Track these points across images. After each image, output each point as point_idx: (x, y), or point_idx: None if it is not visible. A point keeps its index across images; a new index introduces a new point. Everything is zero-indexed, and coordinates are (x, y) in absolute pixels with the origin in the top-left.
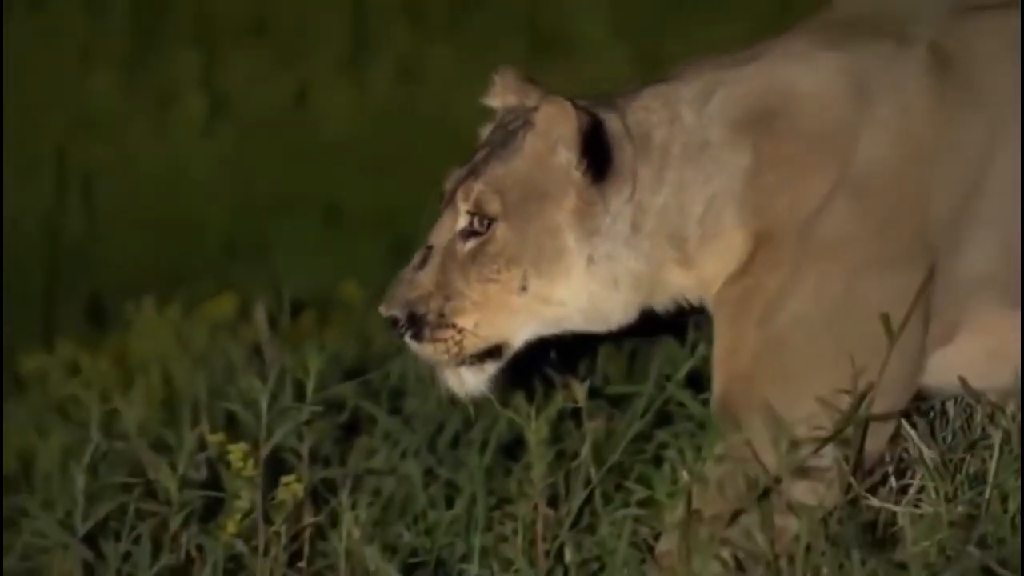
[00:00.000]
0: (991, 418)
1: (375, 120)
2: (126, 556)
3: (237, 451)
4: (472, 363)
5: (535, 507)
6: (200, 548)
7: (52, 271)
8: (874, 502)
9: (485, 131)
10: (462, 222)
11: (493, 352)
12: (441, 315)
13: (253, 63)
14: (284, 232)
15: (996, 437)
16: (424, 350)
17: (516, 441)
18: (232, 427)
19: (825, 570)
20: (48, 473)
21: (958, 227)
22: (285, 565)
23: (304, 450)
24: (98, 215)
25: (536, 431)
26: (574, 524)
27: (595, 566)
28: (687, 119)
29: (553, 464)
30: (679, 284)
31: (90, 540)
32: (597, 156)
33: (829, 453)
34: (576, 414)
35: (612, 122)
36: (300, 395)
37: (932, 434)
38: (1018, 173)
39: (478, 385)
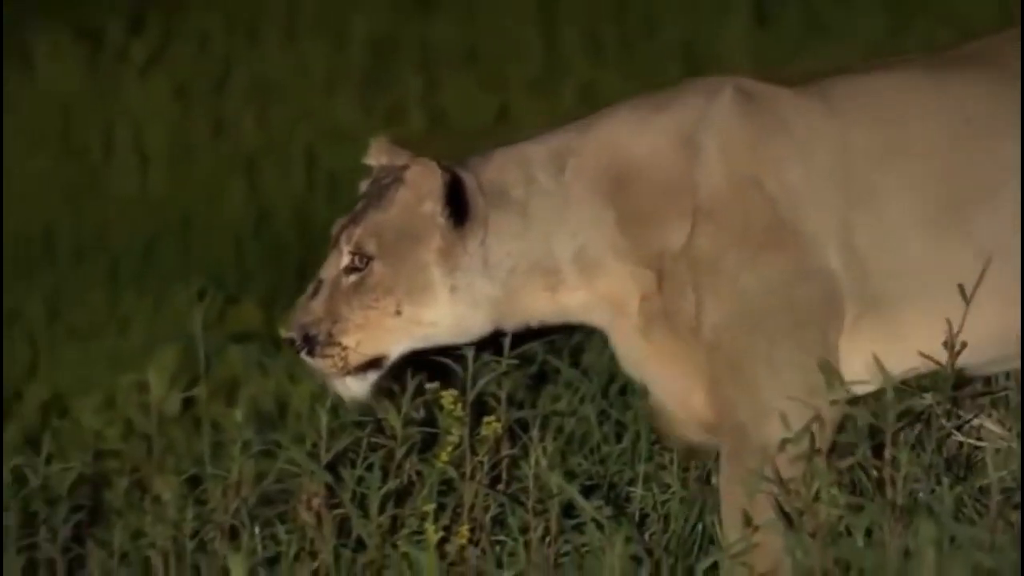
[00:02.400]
0: None
1: None
2: (359, 480)
3: (448, 396)
4: (356, 373)
5: None
6: (419, 473)
7: (303, 255)
8: (960, 437)
9: (363, 185)
10: (345, 260)
11: (373, 363)
12: (329, 335)
13: (464, 85)
14: None
15: None
16: (316, 364)
17: None
18: (445, 377)
19: (920, 494)
20: (299, 413)
21: (803, 218)
22: (487, 487)
23: (502, 395)
24: (340, 208)
25: None
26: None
27: None
28: (544, 182)
29: None
30: (548, 306)
31: (331, 467)
32: (457, 206)
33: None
34: None
35: (468, 179)
36: (498, 351)
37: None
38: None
39: (360, 391)
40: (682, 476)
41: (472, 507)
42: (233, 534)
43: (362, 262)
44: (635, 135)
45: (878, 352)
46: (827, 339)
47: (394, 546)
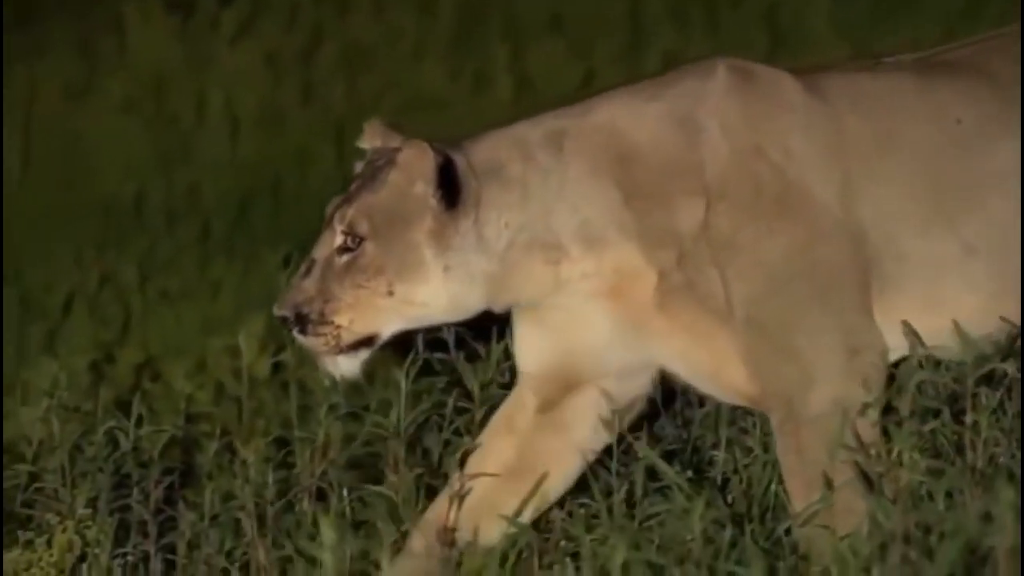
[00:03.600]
0: None
1: None
2: (446, 443)
3: None
4: (348, 352)
5: None
6: None
7: None
8: None
9: (358, 167)
10: (338, 240)
11: (365, 342)
12: (322, 314)
13: (550, 52)
14: None
15: None
16: (308, 342)
17: None
18: None
19: (1001, 458)
20: (386, 377)
21: (811, 182)
22: None
23: None
24: None
25: None
26: None
27: None
28: (543, 160)
29: None
30: (547, 280)
31: (415, 431)
32: (449, 187)
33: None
34: None
35: (460, 160)
36: None
37: None
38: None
39: (351, 368)
40: (764, 440)
41: None
42: (320, 496)
43: (354, 242)
44: (634, 119)
45: None
46: (860, 297)
47: None
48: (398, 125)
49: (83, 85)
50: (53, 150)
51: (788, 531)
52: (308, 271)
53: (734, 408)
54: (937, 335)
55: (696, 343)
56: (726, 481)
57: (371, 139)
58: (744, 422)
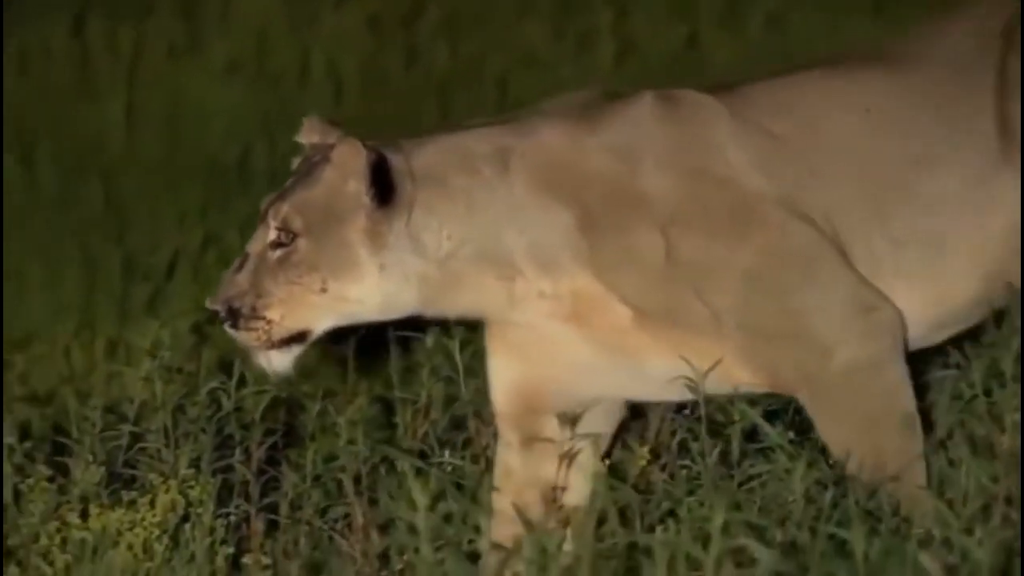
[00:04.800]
0: None
1: (749, 61)
2: None
3: None
4: (280, 347)
5: None
6: None
7: None
8: None
9: (295, 163)
10: (272, 236)
11: (297, 338)
12: (254, 309)
13: (654, 13)
14: None
15: None
16: (240, 336)
17: None
18: None
19: None
20: None
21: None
22: (672, 413)
23: None
24: None
25: None
26: None
27: None
28: (489, 176)
29: None
30: (496, 294)
31: None
32: (382, 186)
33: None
34: None
35: (397, 160)
36: None
37: None
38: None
39: (283, 364)
40: None
41: (659, 431)
42: (422, 457)
43: (288, 238)
44: (578, 151)
45: None
46: (847, 264)
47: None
48: (337, 122)
49: (187, 45)
50: (157, 111)
51: None
52: (241, 266)
53: None
54: None
55: (690, 356)
56: None
57: (309, 135)
58: None
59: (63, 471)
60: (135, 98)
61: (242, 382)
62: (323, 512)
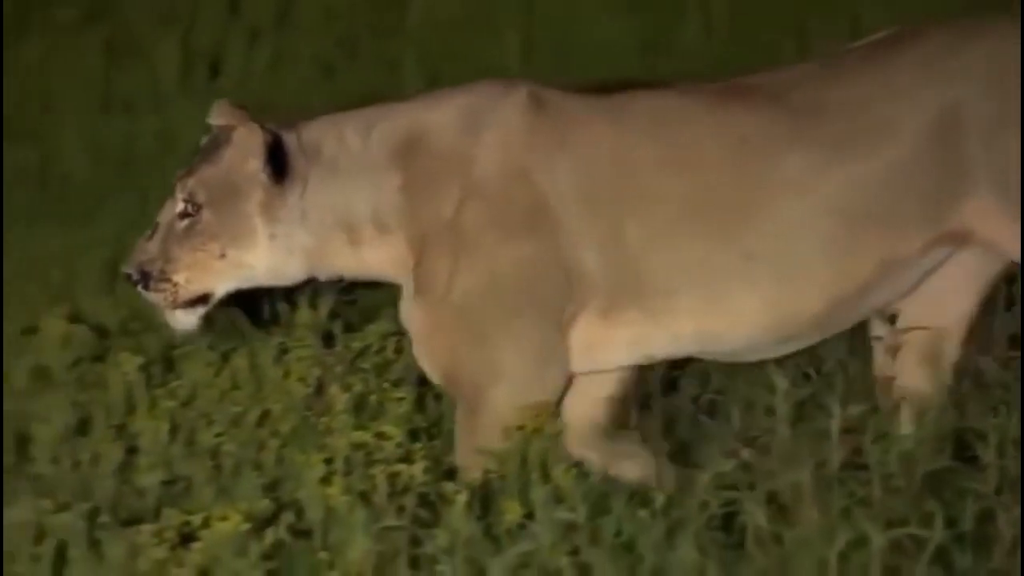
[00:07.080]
0: None
1: None
2: None
3: None
4: (186, 307)
5: None
6: None
7: None
8: None
9: (204, 141)
10: (179, 207)
11: (201, 299)
12: (162, 272)
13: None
14: None
15: None
16: (150, 297)
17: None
18: None
19: None
20: None
21: (569, 216)
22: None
23: None
24: None
25: None
26: None
27: None
28: (352, 144)
29: None
30: (351, 259)
31: None
32: (278, 164)
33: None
34: None
35: (290, 140)
36: None
37: None
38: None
39: (189, 322)
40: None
41: None
42: None
43: (193, 209)
44: (432, 109)
45: (644, 335)
46: (559, 322)
47: None
48: (244, 105)
49: None
50: None
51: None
52: (152, 234)
53: None
54: (719, 337)
55: (412, 318)
56: None
57: (218, 117)
58: None
59: None
60: None
61: None
62: None
